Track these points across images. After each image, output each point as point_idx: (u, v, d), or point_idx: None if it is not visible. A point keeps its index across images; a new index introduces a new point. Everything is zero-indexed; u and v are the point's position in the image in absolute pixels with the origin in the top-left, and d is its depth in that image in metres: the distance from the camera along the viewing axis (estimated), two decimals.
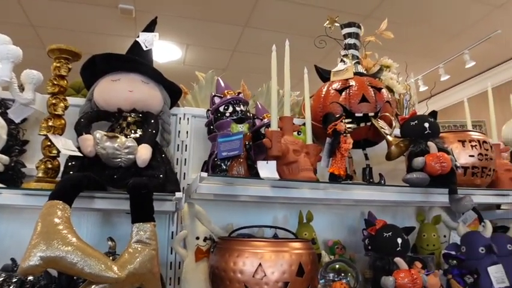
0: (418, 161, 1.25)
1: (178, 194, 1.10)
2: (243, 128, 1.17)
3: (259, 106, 1.45)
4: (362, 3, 4.05)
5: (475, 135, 1.47)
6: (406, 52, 5.00)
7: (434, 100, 6.35)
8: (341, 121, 1.24)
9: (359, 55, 1.59)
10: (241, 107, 1.24)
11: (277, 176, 1.10)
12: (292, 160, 1.14)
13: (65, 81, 1.28)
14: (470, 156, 1.42)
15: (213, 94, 1.27)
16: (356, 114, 1.36)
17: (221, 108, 1.23)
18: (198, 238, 1.31)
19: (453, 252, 1.43)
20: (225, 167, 1.16)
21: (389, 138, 1.31)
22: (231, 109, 1.22)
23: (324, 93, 1.46)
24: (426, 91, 5.83)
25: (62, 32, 4.67)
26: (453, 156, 1.27)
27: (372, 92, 1.40)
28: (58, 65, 1.26)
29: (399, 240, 1.24)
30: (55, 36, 4.67)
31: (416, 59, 5.20)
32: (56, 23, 4.53)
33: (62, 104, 1.26)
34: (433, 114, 1.38)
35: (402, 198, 1.39)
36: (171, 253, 1.46)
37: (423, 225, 1.58)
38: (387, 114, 1.35)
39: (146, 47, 1.55)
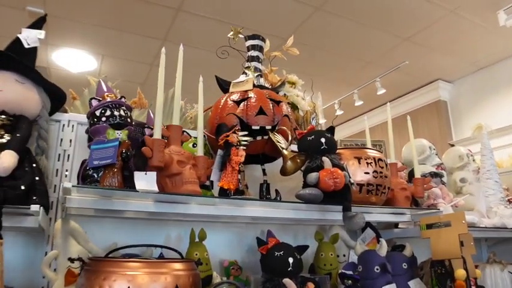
0: (312, 176, 1.21)
1: (34, 207, 0.95)
2: (120, 134, 1.05)
3: (151, 115, 1.34)
4: (281, 26, 4.13)
5: (371, 152, 1.48)
6: (323, 76, 5.19)
7: (352, 124, 6.65)
8: (234, 132, 1.17)
9: (261, 68, 1.55)
10: (121, 111, 1.11)
11: (155, 189, 0.98)
12: (175, 172, 1.04)
13: None
14: (365, 173, 1.41)
15: (91, 97, 1.14)
16: (253, 127, 1.30)
17: (97, 112, 1.10)
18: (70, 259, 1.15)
19: (349, 272, 1.40)
20: (97, 178, 1.03)
21: (285, 152, 1.26)
22: (108, 113, 1.09)
23: (222, 104, 1.39)
24: (343, 115, 6.10)
25: None
26: (347, 172, 1.25)
27: (271, 105, 1.35)
28: None
29: (291, 260, 1.17)
30: None
31: (332, 83, 5.41)
32: None
33: None
34: (331, 129, 1.36)
35: (299, 215, 1.34)
36: (43, 277, 1.27)
37: (321, 244, 1.54)
38: (284, 128, 1.31)
39: (29, 44, 1.40)
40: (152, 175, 1.00)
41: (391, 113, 1.88)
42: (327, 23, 4.16)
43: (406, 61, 4.89)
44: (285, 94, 1.79)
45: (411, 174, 1.84)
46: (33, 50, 1.38)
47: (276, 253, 1.18)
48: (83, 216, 1.32)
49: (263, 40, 1.58)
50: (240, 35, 1.60)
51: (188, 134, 1.41)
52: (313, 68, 4.83)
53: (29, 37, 1.42)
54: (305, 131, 1.35)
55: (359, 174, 1.41)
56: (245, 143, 1.25)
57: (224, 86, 1.48)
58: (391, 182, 1.53)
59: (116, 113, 1.09)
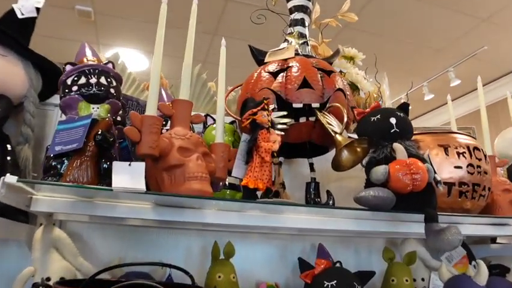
0: (378, 171, 0.83)
1: None
2: (97, 110, 0.75)
3: (163, 94, 1.04)
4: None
5: (463, 138, 1.06)
6: (385, 67, 4.67)
7: (421, 120, 6.03)
8: (264, 109, 0.82)
9: (307, 34, 1.19)
10: (102, 79, 0.81)
11: (141, 187, 0.67)
12: (175, 163, 0.72)
13: None
14: (456, 167, 1.00)
15: (67, 62, 0.85)
16: (294, 105, 0.95)
17: (69, 80, 0.80)
18: (48, 279, 0.87)
19: None
20: (62, 170, 0.73)
21: (338, 138, 0.89)
22: (82, 81, 0.79)
23: (254, 78, 1.05)
24: (411, 111, 5.50)
25: None
26: (431, 165, 0.86)
27: (319, 76, 0.99)
28: None
29: None
30: None
31: (397, 75, 4.86)
32: None
33: None
34: (403, 107, 0.98)
35: (360, 227, 0.96)
36: None
37: (392, 266, 1.13)
38: (337, 105, 0.94)
39: (23, 14, 1.17)
40: (139, 168, 0.68)
41: (467, 106, 1.44)
42: (389, 4, 3.68)
43: (485, 46, 4.25)
44: (341, 71, 1.42)
45: None
46: (30, 22, 1.16)
47: (326, 283, 0.82)
48: (80, 223, 1.05)
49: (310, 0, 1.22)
50: None
51: (212, 118, 1.10)
52: (374, 57, 4.36)
53: (24, 6, 1.19)
54: (367, 110, 0.97)
55: (447, 169, 0.99)
56: (283, 126, 0.90)
57: (259, 57, 1.14)
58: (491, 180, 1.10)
59: (92, 80, 0.78)
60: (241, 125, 0.87)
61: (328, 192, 0.97)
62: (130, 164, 0.68)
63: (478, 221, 1.16)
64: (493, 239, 1.40)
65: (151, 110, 0.73)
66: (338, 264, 0.96)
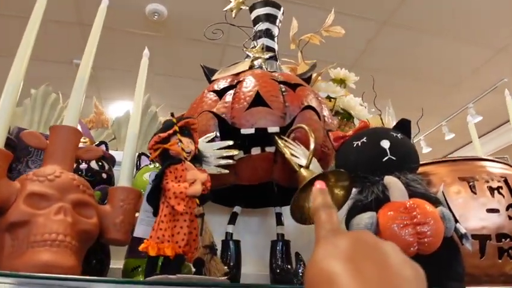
0: (361, 221, 0.53)
1: None
2: None
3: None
4: (343, 52, 3.48)
5: (496, 167, 0.73)
6: (400, 107, 4.39)
7: None
8: (181, 132, 0.54)
9: (276, 48, 0.93)
10: None
11: None
12: (17, 219, 0.44)
13: None
14: (489, 211, 0.67)
15: None
16: (243, 131, 0.67)
17: None
18: None
19: None
20: None
21: (304, 173, 0.60)
22: None
23: (197, 100, 0.79)
24: (431, 153, 5.12)
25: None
26: (449, 208, 0.55)
27: (280, 91, 0.72)
28: None
29: None
30: None
31: (409, 116, 4.56)
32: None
33: None
34: (402, 125, 0.68)
35: None
36: None
37: None
38: (302, 125, 0.66)
39: None
40: None
41: (490, 147, 1.13)
42: (394, 39, 3.46)
43: (505, 78, 3.95)
44: (329, 96, 1.15)
45: None
46: None
47: None
48: None
49: (277, 7, 0.97)
50: (244, 7, 1.02)
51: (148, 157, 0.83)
52: (387, 96, 4.10)
53: None
54: (349, 133, 0.68)
55: (476, 214, 0.66)
56: (229, 161, 0.62)
57: (211, 76, 0.88)
58: None
59: None
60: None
61: (297, 255, 0.66)
62: None
63: None
64: None
65: None
66: None
